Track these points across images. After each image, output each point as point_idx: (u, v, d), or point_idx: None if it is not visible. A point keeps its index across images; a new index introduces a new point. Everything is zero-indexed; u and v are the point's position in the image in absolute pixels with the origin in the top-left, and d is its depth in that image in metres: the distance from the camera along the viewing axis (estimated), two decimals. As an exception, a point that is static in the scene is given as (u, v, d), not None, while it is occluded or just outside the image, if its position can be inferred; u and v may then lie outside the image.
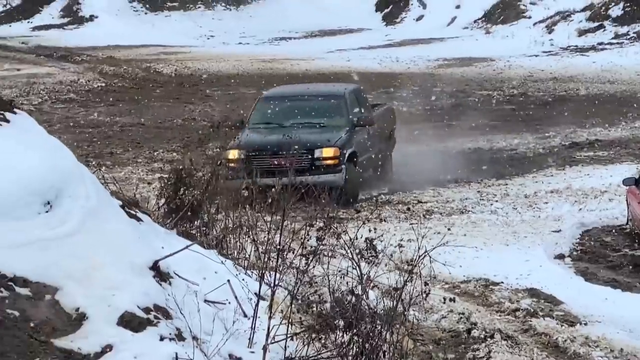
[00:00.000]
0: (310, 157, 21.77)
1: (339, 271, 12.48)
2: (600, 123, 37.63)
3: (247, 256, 13.30)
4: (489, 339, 15.73)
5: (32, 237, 10.48)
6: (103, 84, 51.10)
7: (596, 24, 70.77)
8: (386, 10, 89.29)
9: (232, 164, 20.49)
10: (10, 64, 59.15)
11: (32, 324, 10.02)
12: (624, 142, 34.02)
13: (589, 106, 41.76)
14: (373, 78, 52.50)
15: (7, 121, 11.59)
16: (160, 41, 73.61)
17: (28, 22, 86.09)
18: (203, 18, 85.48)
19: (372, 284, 12.04)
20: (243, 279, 11.69)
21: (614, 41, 66.42)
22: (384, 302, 11.80)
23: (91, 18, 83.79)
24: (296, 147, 20.52)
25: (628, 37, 66.47)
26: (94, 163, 22.94)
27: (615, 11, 71.37)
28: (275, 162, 21.38)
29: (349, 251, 12.15)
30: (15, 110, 12.05)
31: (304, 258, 12.14)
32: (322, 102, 24.87)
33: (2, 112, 11.72)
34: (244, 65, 59.55)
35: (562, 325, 17.00)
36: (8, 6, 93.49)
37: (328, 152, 21.71)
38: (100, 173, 13.67)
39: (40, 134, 11.98)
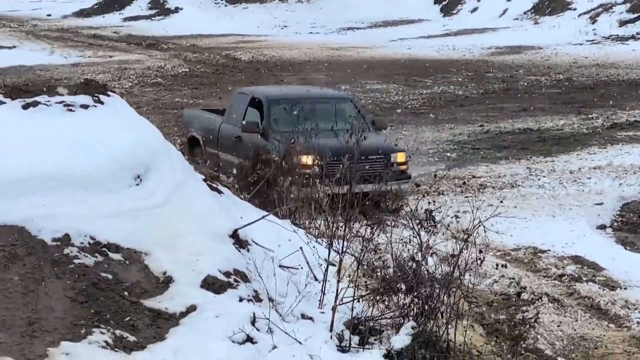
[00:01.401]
0: (385, 162, 19.35)
1: (401, 239, 12.43)
2: (638, 106, 37.35)
3: (317, 226, 13.28)
4: (537, 302, 15.65)
5: (124, 207, 10.53)
6: (187, 70, 51.16)
7: (636, 14, 70.09)
8: (444, 3, 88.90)
9: (307, 170, 18.09)
10: (104, 52, 59.33)
11: (123, 286, 10.04)
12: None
13: (629, 90, 41.47)
14: (427, 64, 52.42)
15: (102, 103, 11.64)
16: (239, 31, 73.63)
17: (119, 13, 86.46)
18: (277, 10, 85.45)
19: (430, 251, 11.99)
20: (314, 247, 11.69)
21: (651, 32, 65.95)
22: (441, 268, 11.75)
23: (176, 10, 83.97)
24: (374, 152, 19.34)
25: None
26: (179, 141, 23.02)
27: (655, 3, 70.83)
28: (365, 166, 18.24)
29: (409, 221, 12.11)
30: (108, 93, 12.08)
31: (369, 227, 12.15)
32: (336, 105, 22.40)
33: (97, 94, 11.73)
34: (314, 53, 59.44)
35: (603, 290, 16.91)
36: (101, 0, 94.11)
37: (402, 156, 19.73)
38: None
39: (131, 115, 12.01)
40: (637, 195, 24.57)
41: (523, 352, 12.55)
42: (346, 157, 17.50)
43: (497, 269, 16.63)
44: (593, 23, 70.92)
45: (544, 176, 26.16)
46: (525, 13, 79.20)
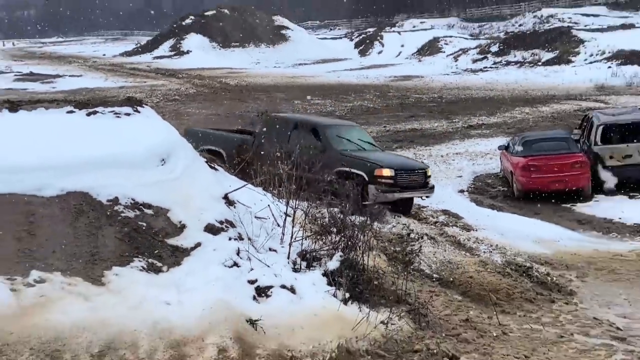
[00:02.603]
0: (425, 175, 18.19)
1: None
2: (485, 114, 37.68)
3: (280, 191, 13.26)
4: (420, 239, 15.72)
5: (153, 179, 10.58)
6: (194, 91, 51.11)
7: (482, 55, 70.79)
8: (361, 47, 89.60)
9: (385, 180, 17.13)
10: (140, 79, 59.38)
11: (153, 231, 10.04)
12: (499, 125, 34.04)
13: (478, 104, 41.85)
14: (349, 87, 52.61)
15: (139, 112, 11.79)
16: (228, 65, 73.93)
17: (150, 54, 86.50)
18: (253, 52, 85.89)
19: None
20: (277, 205, 11.69)
21: (493, 66, 66.44)
22: (359, 218, 11.81)
23: (187, 52, 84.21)
24: (418, 168, 18.36)
25: (501, 63, 66.61)
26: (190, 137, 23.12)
27: (494, 48, 71.59)
28: (415, 178, 17.96)
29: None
30: (143, 105, 12.17)
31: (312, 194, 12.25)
32: (358, 131, 19.88)
33: (135, 106, 11.89)
34: (277, 80, 59.63)
35: (462, 231, 17.03)
36: (139, 44, 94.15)
37: (429, 171, 18.50)
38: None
39: (158, 119, 12.10)
40: (484, 170, 24.80)
41: (411, 271, 12.59)
42: (406, 171, 17.35)
43: (394, 218, 16.71)
44: (456, 61, 71.60)
45: (425, 159, 26.28)
46: (412, 54, 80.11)
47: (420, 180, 17.84)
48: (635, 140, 21.76)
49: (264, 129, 18.72)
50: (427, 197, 18.26)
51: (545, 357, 9.84)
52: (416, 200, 19.61)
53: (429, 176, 18.18)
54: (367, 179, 16.82)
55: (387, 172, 16.90)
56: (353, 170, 16.97)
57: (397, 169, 17.20)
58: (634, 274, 14.59)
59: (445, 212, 19.03)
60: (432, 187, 18.30)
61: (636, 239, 17.09)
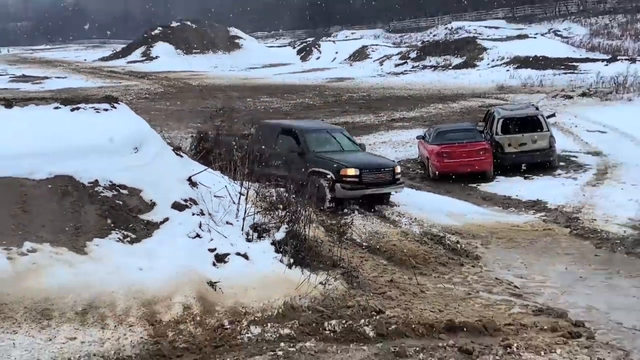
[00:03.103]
0: (393, 173, 16.94)
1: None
2: (405, 109, 37.83)
3: (235, 174, 13.20)
4: (352, 213, 15.79)
5: (128, 164, 10.52)
6: (162, 90, 50.60)
7: (403, 61, 70.95)
8: (302, 54, 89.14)
9: (350, 179, 16.16)
10: (116, 80, 58.60)
11: (128, 208, 9.97)
12: (417, 119, 34.20)
13: (400, 101, 41.97)
14: (293, 88, 52.48)
15: (115, 108, 11.63)
16: (191, 69, 73.18)
17: (124, 59, 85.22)
18: (212, 58, 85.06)
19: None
20: (233, 185, 11.64)
21: (412, 69, 66.65)
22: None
23: (156, 57, 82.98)
24: (386, 166, 17.17)
25: (419, 67, 66.89)
26: (158, 128, 22.74)
27: (413, 55, 71.78)
28: (382, 176, 16.76)
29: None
30: (119, 102, 12.01)
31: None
32: (340, 134, 18.52)
33: (112, 103, 11.76)
34: (232, 82, 59.23)
35: (387, 207, 17.07)
36: (115, 51, 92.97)
37: (398, 169, 17.30)
38: (161, 134, 13.53)
39: (132, 114, 11.98)
40: (404, 157, 24.89)
41: (344, 240, 12.65)
42: (370, 169, 16.46)
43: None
44: (381, 65, 71.57)
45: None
46: (345, 60, 79.95)
47: (387, 178, 16.80)
48: (528, 131, 22.11)
49: (258, 134, 18.25)
50: (395, 192, 17.22)
51: (456, 311, 9.95)
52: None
53: (398, 173, 17.15)
54: (334, 177, 16.15)
55: (351, 171, 16.17)
56: (323, 170, 16.43)
57: (362, 168, 16.35)
58: (528, 242, 14.82)
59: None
60: (401, 183, 17.33)
61: (530, 212, 17.34)
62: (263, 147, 16.52)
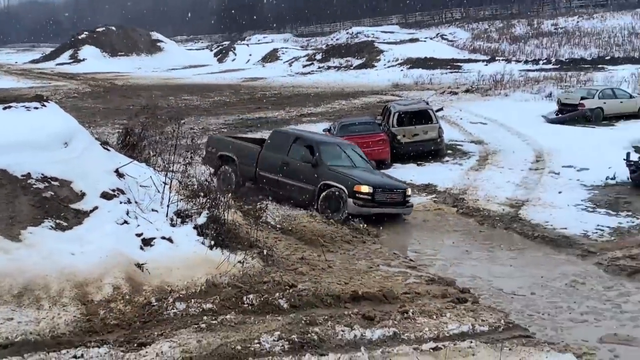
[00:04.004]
0: (404, 195, 15.15)
1: (202, 173, 12.37)
2: (312, 105, 37.82)
3: (160, 165, 12.96)
4: (266, 199, 15.75)
5: (59, 158, 10.19)
6: (90, 90, 49.15)
7: (310, 62, 71.18)
8: (219, 56, 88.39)
9: (363, 196, 14.52)
10: (46, 81, 56.61)
11: (60, 198, 9.71)
12: (323, 113, 34.24)
13: (308, 98, 42.00)
14: (212, 87, 51.91)
15: (45, 106, 11.21)
16: (116, 70, 71.49)
17: (53, 61, 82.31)
18: (136, 60, 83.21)
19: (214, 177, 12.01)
20: (158, 175, 11.45)
21: (318, 70, 66.95)
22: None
23: (83, 59, 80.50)
24: (398, 187, 15.32)
25: (324, 68, 67.22)
26: (86, 125, 22.08)
27: (318, 56, 72.17)
28: (394, 197, 14.96)
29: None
30: (48, 101, 11.61)
31: (186, 166, 12.06)
32: (352, 150, 16.58)
33: (42, 102, 11.35)
34: (155, 82, 58.07)
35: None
36: (44, 54, 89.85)
37: (409, 191, 15.47)
38: (90, 129, 13.16)
39: (61, 112, 11.58)
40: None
41: (260, 223, 12.63)
42: (383, 189, 14.77)
43: (243, 186, 16.64)
44: (290, 66, 71.55)
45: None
46: (258, 61, 79.54)
47: (398, 199, 15.09)
48: (420, 123, 22.51)
49: (272, 141, 16.52)
50: (404, 215, 15.26)
51: (360, 283, 10.09)
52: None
53: (409, 196, 15.42)
54: (347, 192, 14.54)
55: (365, 188, 14.56)
56: (336, 183, 14.79)
57: (376, 187, 14.71)
58: (421, 220, 15.10)
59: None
60: (411, 205, 15.42)
61: (422, 194, 17.63)
62: (274, 155, 15.81)
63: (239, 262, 9.71)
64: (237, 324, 8.18)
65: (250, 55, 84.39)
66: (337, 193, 14.72)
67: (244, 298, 8.86)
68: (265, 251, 10.60)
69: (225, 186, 15.53)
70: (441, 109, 28.94)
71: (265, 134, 27.51)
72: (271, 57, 79.93)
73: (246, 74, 66.82)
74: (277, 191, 15.63)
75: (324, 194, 14.88)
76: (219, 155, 17.02)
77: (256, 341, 7.67)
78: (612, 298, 10.16)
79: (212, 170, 16.38)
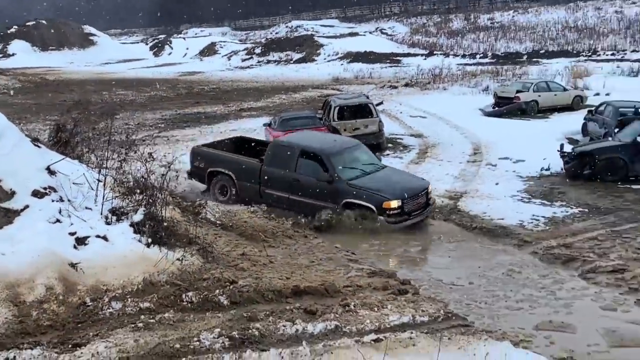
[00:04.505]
0: (427, 194, 14.22)
1: (138, 170, 12.16)
2: (252, 100, 37.68)
3: (93, 162, 12.71)
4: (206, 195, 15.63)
5: (-13, 156, 9.88)
6: (20, 85, 48.05)
7: (249, 56, 70.96)
8: (155, 50, 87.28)
9: (393, 211, 13.33)
10: (-26, 77, 55.15)
11: (-11, 197, 9.43)
12: (263, 108, 34.09)
13: (247, 93, 41.84)
14: (148, 81, 51.20)
15: (-28, 102, 10.84)
16: (47, 65, 70.00)
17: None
18: (68, 54, 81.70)
19: (152, 174, 11.79)
20: (91, 173, 11.23)
21: (257, 64, 66.80)
22: (158, 180, 11.56)
23: (13, 54, 78.68)
24: (422, 188, 14.17)
25: (263, 62, 67.07)
26: (16, 121, 21.46)
27: (258, 50, 71.98)
28: (420, 201, 13.89)
29: (142, 159, 11.81)
30: (-25, 97, 11.25)
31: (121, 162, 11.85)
32: (359, 150, 15.35)
33: None
34: (88, 76, 57.03)
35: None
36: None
37: (430, 187, 14.56)
38: (20, 126, 12.80)
39: (-11, 108, 11.21)
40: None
41: (199, 219, 12.53)
42: (412, 196, 13.63)
43: (185, 180, 16.48)
44: (229, 60, 71.33)
45: (208, 135, 26.07)
46: (195, 55, 79.01)
47: (423, 201, 14.09)
48: (360, 117, 22.62)
49: (272, 155, 14.94)
50: (428, 216, 14.26)
51: (301, 277, 10.10)
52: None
53: (430, 192, 14.52)
54: (376, 211, 13.34)
55: (394, 203, 13.38)
56: (362, 202, 13.51)
57: (404, 198, 13.53)
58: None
59: (225, 174, 18.95)
60: (434, 202, 14.57)
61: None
62: (280, 170, 14.53)
63: (178, 259, 9.60)
64: (176, 322, 8.10)
65: (187, 49, 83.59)
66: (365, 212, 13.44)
67: (183, 296, 8.77)
68: (205, 248, 10.52)
69: (226, 200, 15.17)
70: (381, 103, 29.21)
71: (204, 129, 27.40)
72: (209, 50, 79.34)
73: (183, 68, 66.15)
74: (290, 209, 14.38)
75: (350, 213, 13.55)
76: (209, 172, 15.75)
77: (195, 339, 7.61)
78: (547, 286, 10.43)
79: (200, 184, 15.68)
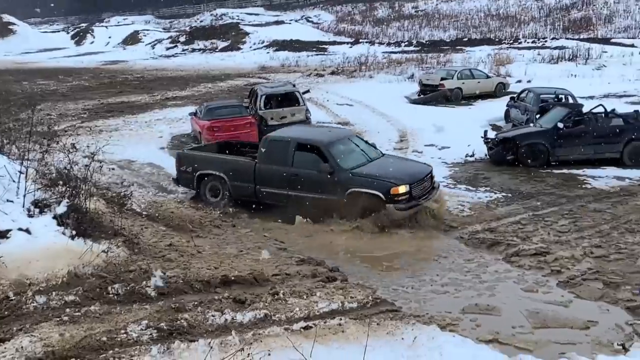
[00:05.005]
0: (431, 178, 13.68)
1: (60, 161, 11.91)
2: (177, 89, 37.20)
3: (15, 154, 12.37)
4: (131, 186, 15.39)
5: None
6: None
7: (174, 44, 70.07)
8: (76, 39, 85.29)
9: (402, 197, 12.59)
10: None
11: None
12: (188, 97, 33.73)
13: (172, 81, 41.28)
14: (69, 70, 49.93)
15: None
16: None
17: None
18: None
19: (75, 165, 11.56)
20: (12, 164, 10.93)
21: (182, 52, 66.05)
22: (81, 172, 11.34)
23: None
24: (427, 172, 13.56)
25: (188, 50, 66.30)
26: None
27: (182, 39, 71.18)
28: (426, 185, 13.24)
29: (64, 150, 11.59)
30: None
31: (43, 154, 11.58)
32: (356, 138, 14.80)
33: None
34: (8, 66, 55.37)
35: (165, 178, 16.76)
36: None
37: (433, 171, 14.05)
38: None
39: None
40: (179, 132, 24.48)
41: (125, 211, 12.35)
42: (419, 181, 13.06)
43: (109, 171, 16.21)
44: (153, 48, 70.31)
45: (132, 124, 25.65)
46: (118, 44, 77.65)
47: (429, 186, 13.54)
48: (287, 106, 22.65)
49: (264, 152, 14.06)
50: (434, 200, 13.52)
51: (230, 267, 10.08)
52: (127, 157, 19.22)
53: (433, 176, 14.02)
54: (384, 198, 12.61)
55: (403, 189, 12.68)
56: (369, 190, 12.76)
57: (411, 183, 12.88)
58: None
59: (150, 164, 18.71)
60: (438, 186, 14.05)
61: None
62: (276, 167, 13.71)
63: (103, 251, 9.45)
64: (102, 314, 7.97)
65: (110, 37, 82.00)
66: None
67: (109, 288, 8.64)
68: (131, 239, 10.39)
69: (220, 202, 14.36)
70: (308, 91, 29.20)
71: (128, 118, 26.91)
72: (132, 39, 77.99)
73: (106, 57, 64.88)
74: (288, 206, 13.65)
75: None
76: (198, 175, 14.78)
77: (123, 331, 7.51)
78: (473, 269, 10.70)
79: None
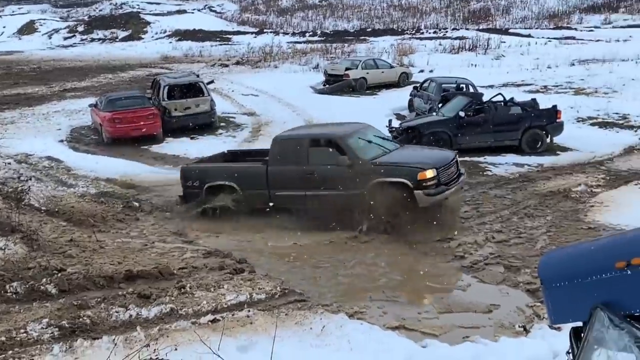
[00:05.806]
0: (457, 163, 12.92)
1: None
2: (76, 80, 36.05)
3: None
4: (28, 180, 14.83)
5: None
6: None
7: (72, 34, 68.02)
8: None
9: (430, 182, 11.84)
10: None
11: None
12: (88, 88, 32.69)
13: (71, 72, 40.00)
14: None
15: None
16: None
17: None
18: None
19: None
20: None
21: (81, 42, 64.27)
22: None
23: None
24: (452, 158, 12.86)
25: (87, 40, 64.47)
26: None
27: (81, 28, 69.34)
28: (452, 170, 12.48)
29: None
30: None
31: None
32: (372, 130, 13.76)
33: None
34: None
35: (63, 171, 16.29)
36: None
37: (457, 156, 13.31)
38: None
39: None
40: (78, 124, 23.78)
41: (22, 206, 11.92)
42: (446, 165, 12.36)
43: (5, 165, 15.61)
44: (50, 38, 68.03)
45: (28, 117, 24.78)
46: (13, 34, 74.52)
47: (455, 171, 12.76)
48: (191, 96, 22.39)
49: (275, 153, 13.06)
50: (462, 187, 13.14)
51: (134, 261, 9.91)
52: (24, 150, 18.54)
53: (459, 162, 13.26)
54: (411, 185, 11.83)
55: (430, 173, 11.91)
56: (394, 179, 11.94)
57: (438, 167, 12.16)
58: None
59: (49, 157, 18.11)
60: (465, 173, 13.48)
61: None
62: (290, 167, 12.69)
63: (0, 249, 9.11)
64: (1, 314, 7.71)
65: (4, 27, 78.55)
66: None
67: (7, 286, 8.36)
68: (29, 235, 10.06)
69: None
70: (212, 82, 29.01)
71: (25, 111, 25.92)
72: (28, 29, 75.13)
73: (0, 47, 62.20)
74: (307, 208, 12.78)
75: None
76: (207, 188, 13.37)
77: (22, 330, 7.27)
78: (378, 258, 10.80)
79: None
